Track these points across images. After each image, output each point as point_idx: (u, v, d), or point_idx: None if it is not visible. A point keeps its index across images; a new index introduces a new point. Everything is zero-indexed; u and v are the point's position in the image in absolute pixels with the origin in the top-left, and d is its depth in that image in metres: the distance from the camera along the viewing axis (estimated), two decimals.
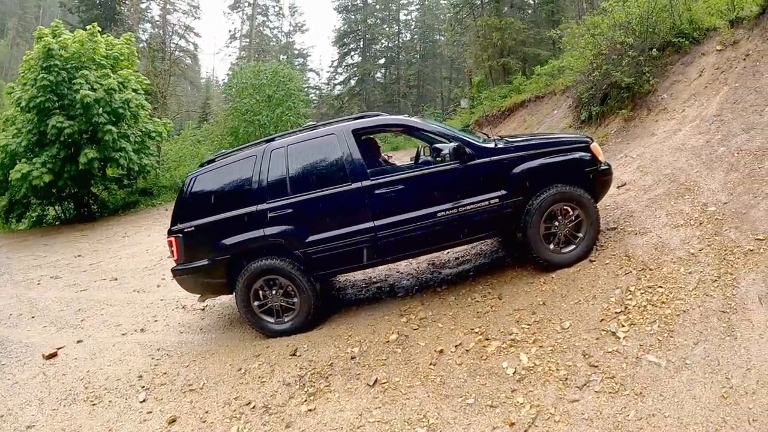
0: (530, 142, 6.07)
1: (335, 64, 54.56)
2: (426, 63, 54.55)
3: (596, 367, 4.32)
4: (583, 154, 5.92)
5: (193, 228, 5.93)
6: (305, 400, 4.70)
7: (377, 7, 53.95)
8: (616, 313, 4.85)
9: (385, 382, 4.69)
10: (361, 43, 52.98)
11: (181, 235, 5.96)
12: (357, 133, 5.91)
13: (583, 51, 12.74)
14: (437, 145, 5.70)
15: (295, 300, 5.88)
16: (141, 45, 31.62)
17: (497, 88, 26.96)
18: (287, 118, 27.41)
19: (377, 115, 6.32)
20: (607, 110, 11.68)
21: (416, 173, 5.81)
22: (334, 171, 5.76)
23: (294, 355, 5.38)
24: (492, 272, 6.38)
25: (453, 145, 5.53)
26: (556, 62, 19.79)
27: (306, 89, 47.07)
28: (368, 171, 5.75)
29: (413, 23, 56.73)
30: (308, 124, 6.52)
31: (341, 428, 4.26)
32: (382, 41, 54.05)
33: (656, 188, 6.96)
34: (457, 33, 37.36)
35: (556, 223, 5.81)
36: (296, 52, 58.35)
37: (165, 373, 5.57)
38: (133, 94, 17.71)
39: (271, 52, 53.72)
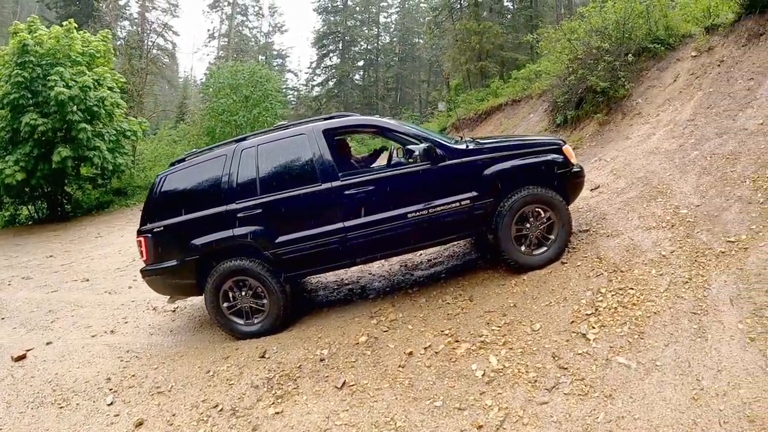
0: (502, 144, 6.06)
1: (314, 65, 54.51)
2: (405, 66, 54.68)
3: (566, 369, 4.29)
4: (555, 156, 5.91)
5: (162, 228, 5.84)
6: (273, 403, 4.62)
7: (357, 9, 54.06)
8: (586, 314, 4.84)
9: (353, 385, 4.63)
10: (340, 44, 52.91)
11: (150, 235, 5.87)
12: (328, 133, 5.85)
13: (560, 55, 12.82)
14: (410, 147, 5.64)
15: (265, 301, 5.79)
16: (118, 42, 31.16)
17: (475, 91, 27.06)
18: (264, 118, 27.28)
19: (348, 116, 6.27)
20: (583, 114, 11.76)
21: (386, 174, 5.77)
22: (304, 171, 5.70)
23: (263, 357, 5.30)
24: (464, 274, 6.35)
25: (424, 145, 5.51)
26: (533, 66, 19.87)
27: (284, 90, 46.89)
28: (339, 172, 5.70)
29: (393, 26, 56.87)
30: (280, 123, 6.45)
31: (308, 431, 4.19)
32: (362, 43, 54.09)
33: (629, 191, 6.99)
34: (436, 36, 37.57)
35: (528, 225, 5.80)
36: (275, 52, 58.15)
37: (133, 376, 5.46)
38: (109, 92, 17.42)
39: (250, 53, 53.34)
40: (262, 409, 4.56)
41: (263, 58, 53.47)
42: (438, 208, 5.58)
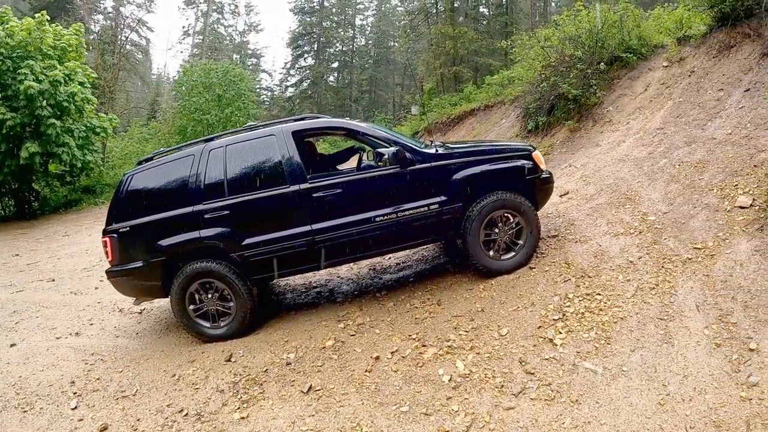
0: (472, 149, 6.06)
1: (288, 65, 53.81)
2: (379, 68, 54.50)
3: (533, 374, 4.30)
4: (524, 161, 5.93)
5: (128, 228, 5.73)
6: (238, 408, 4.55)
7: (333, 10, 53.65)
8: (554, 320, 4.86)
9: (319, 389, 4.58)
10: (316, 45, 52.40)
11: (115, 235, 5.76)
12: (297, 135, 5.81)
13: (533, 62, 12.95)
14: (380, 150, 5.60)
15: (231, 304, 5.72)
16: (91, 37, 30.52)
17: (448, 96, 27.12)
18: (236, 118, 27.01)
19: (319, 118, 6.26)
20: (554, 121, 11.87)
21: (355, 177, 5.73)
22: (273, 172, 5.65)
23: (229, 360, 5.23)
24: (432, 278, 6.35)
25: (393, 149, 5.48)
26: (506, 72, 20.05)
27: (257, 90, 46.57)
28: (308, 174, 5.66)
29: (368, 28, 56.62)
30: (249, 124, 6.38)
31: None
32: (337, 45, 53.60)
33: (598, 197, 7.06)
34: (411, 40, 37.61)
35: (497, 230, 5.81)
36: (250, 51, 57.42)
37: (98, 379, 5.34)
38: (80, 87, 16.97)
39: (225, 51, 52.57)
40: (227, 414, 4.49)
41: (238, 57, 52.82)
42: (406, 212, 5.57)
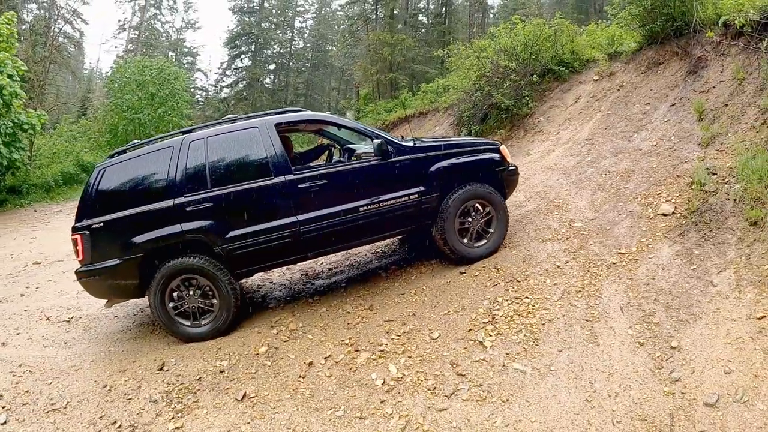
0: (445, 143, 6.34)
1: (224, 66, 52.61)
2: (316, 72, 54.34)
3: (464, 375, 4.39)
4: (493, 155, 6.26)
5: (101, 224, 5.47)
6: (172, 418, 4.44)
7: (273, 11, 52.99)
8: (484, 323, 4.98)
9: (254, 396, 4.54)
10: (253, 46, 51.46)
11: (87, 232, 5.49)
12: (280, 127, 5.83)
13: (468, 72, 13.23)
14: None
15: (214, 301, 5.58)
16: (23, 27, 28.98)
17: (383, 101, 27.35)
18: (169, 118, 26.49)
19: (300, 111, 6.28)
20: (486, 129, 12.19)
21: (340, 168, 5.87)
22: (257, 164, 5.61)
23: (161, 369, 5.10)
24: (364, 284, 6.41)
25: (378, 141, 5.65)
26: (442, 81, 20.34)
27: (192, 89, 45.61)
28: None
29: (307, 31, 56.25)
30: (229, 116, 6.32)
31: None
32: (275, 47, 52.87)
33: (527, 204, 7.28)
34: (350, 45, 37.92)
35: (470, 219, 6.07)
36: (186, 50, 55.83)
37: (27, 392, 5.07)
38: (8, 80, 15.98)
39: (160, 48, 51.17)
40: (161, 425, 4.37)
41: (173, 54, 51.58)
42: (389, 202, 5.76)
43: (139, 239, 5.41)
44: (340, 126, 6.29)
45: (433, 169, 5.90)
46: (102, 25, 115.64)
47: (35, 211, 17.10)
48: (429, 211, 5.92)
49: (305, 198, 5.58)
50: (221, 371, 4.91)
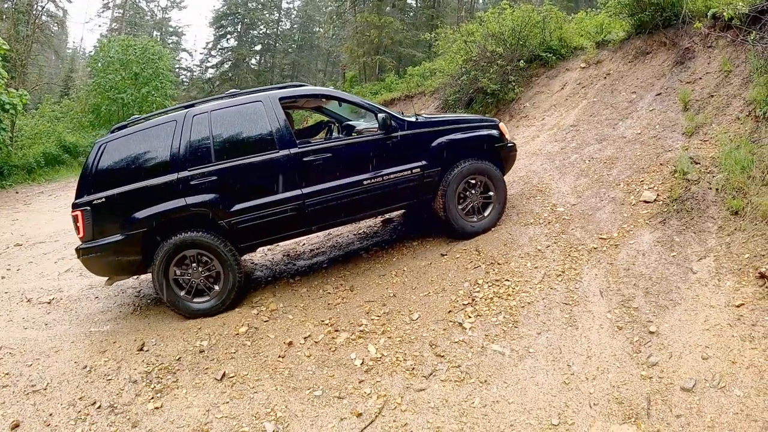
0: (446, 119, 6.46)
1: (210, 46, 51.58)
2: (302, 54, 53.67)
3: (443, 356, 4.42)
4: (492, 131, 6.37)
5: (103, 199, 5.40)
6: (152, 398, 4.44)
7: None
8: (463, 305, 5.01)
9: (233, 376, 4.54)
10: (239, 27, 50.49)
11: (88, 208, 5.41)
12: (284, 101, 5.85)
13: (455, 56, 13.18)
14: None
15: (219, 275, 5.58)
16: (6, 5, 28.40)
17: (369, 84, 27.04)
18: (153, 98, 26.19)
19: (302, 85, 6.32)
20: (472, 113, 12.10)
21: (344, 142, 5.97)
22: (262, 138, 5.63)
23: (141, 350, 5.09)
24: (345, 264, 6.43)
25: (382, 115, 5.72)
26: (428, 64, 20.30)
27: (177, 70, 45.07)
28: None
29: (294, 12, 55.47)
30: (231, 91, 6.29)
31: (188, 425, 4.06)
32: (261, 27, 51.88)
33: (510, 189, 7.24)
34: (337, 27, 37.58)
35: (470, 194, 6.20)
36: (171, 29, 54.86)
37: (7, 374, 5.05)
38: None
39: (145, 27, 50.24)
40: (141, 405, 4.37)
41: (158, 34, 50.78)
42: (392, 176, 5.86)
43: (141, 214, 5.39)
44: (342, 101, 6.37)
45: (434, 144, 6.02)
46: (86, 3, 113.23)
47: (17, 192, 16.95)
48: (431, 186, 6.05)
49: (310, 171, 5.63)
50: (201, 351, 4.92)
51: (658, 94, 8.02)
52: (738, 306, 4.16)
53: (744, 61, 6.95)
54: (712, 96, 7.04)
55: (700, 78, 7.61)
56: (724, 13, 7.27)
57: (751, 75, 6.60)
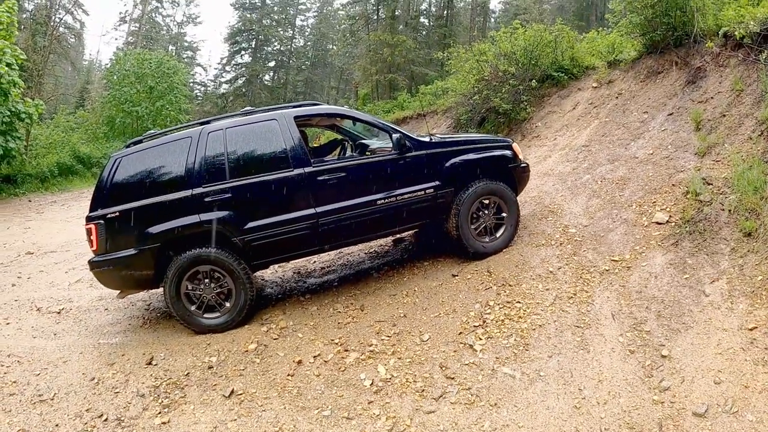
0: (460, 139, 6.48)
1: (224, 61, 52.44)
2: (316, 71, 54.28)
3: (453, 378, 4.39)
4: (506, 151, 6.36)
5: (117, 213, 5.44)
6: (159, 412, 4.43)
7: (275, 9, 52.80)
8: (474, 326, 4.98)
9: (241, 393, 4.53)
10: (254, 43, 51.21)
11: (102, 221, 5.44)
12: (298, 120, 5.89)
13: (468, 75, 13.18)
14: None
15: (231, 292, 5.58)
16: (24, 15, 28.77)
17: (382, 102, 27.31)
18: (167, 112, 26.52)
19: (316, 104, 6.38)
20: (484, 133, 12.10)
21: (358, 161, 5.98)
22: (276, 156, 5.66)
23: (150, 364, 5.08)
24: (356, 283, 6.41)
25: (396, 135, 5.76)
26: (441, 83, 20.33)
27: (191, 84, 45.62)
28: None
29: (308, 30, 56.24)
30: (246, 109, 6.31)
31: None
32: (275, 44, 52.54)
33: (522, 209, 7.19)
34: (350, 44, 37.85)
35: (483, 214, 6.17)
36: (186, 44, 55.51)
37: (15, 382, 5.05)
38: (6, 68, 15.80)
39: (161, 41, 50.80)
40: (148, 419, 4.37)
41: (173, 48, 51.43)
42: (405, 196, 5.86)
43: (155, 229, 5.41)
44: (356, 120, 6.43)
45: (448, 164, 6.02)
46: (103, 16, 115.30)
47: (30, 201, 17.05)
48: (443, 206, 6.03)
49: (324, 190, 5.65)
50: (210, 367, 4.91)
51: (670, 114, 8.00)
52: (751, 329, 4.13)
53: (756, 80, 6.93)
54: (724, 115, 7.01)
55: (712, 97, 7.58)
56: (736, 32, 7.29)
57: (763, 94, 6.58)
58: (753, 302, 4.35)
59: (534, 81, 11.45)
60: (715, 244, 5.16)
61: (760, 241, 4.83)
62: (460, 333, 4.93)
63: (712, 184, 5.87)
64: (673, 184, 6.40)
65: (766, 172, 5.45)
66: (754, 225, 4.99)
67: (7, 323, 6.54)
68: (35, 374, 5.17)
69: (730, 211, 5.35)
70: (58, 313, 6.74)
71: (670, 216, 5.87)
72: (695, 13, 8.43)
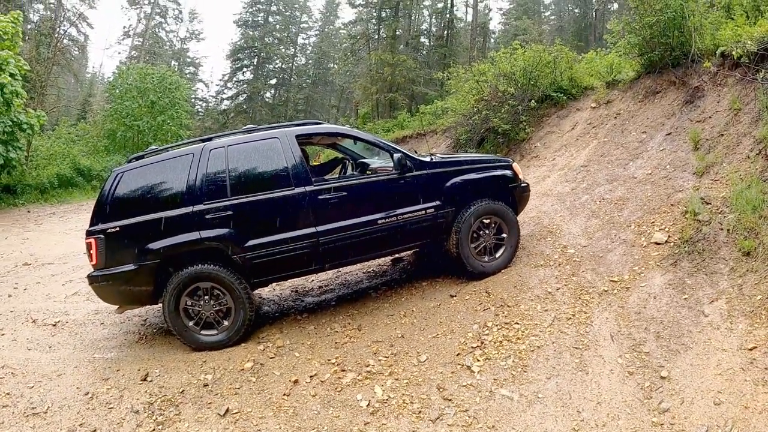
0: (461, 159, 6.51)
1: (226, 78, 52.82)
2: (317, 89, 54.60)
3: (450, 400, 4.35)
4: (506, 171, 6.39)
5: (117, 228, 5.43)
6: (153, 429, 4.38)
7: (277, 26, 53.32)
8: (472, 347, 4.96)
9: (236, 412, 4.48)
10: (255, 60, 51.63)
11: (102, 236, 5.43)
12: (300, 139, 5.91)
13: (467, 95, 13.28)
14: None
15: (230, 309, 5.55)
16: (29, 27, 28.86)
17: (382, 121, 27.55)
18: (168, 127, 26.61)
19: (319, 123, 6.44)
20: (483, 153, 12.16)
21: (359, 181, 6.03)
22: (277, 174, 5.68)
23: (145, 380, 5.04)
24: (354, 303, 6.39)
25: (397, 155, 5.78)
26: (440, 103, 20.39)
27: (192, 100, 45.92)
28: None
29: (310, 48, 56.68)
30: (248, 126, 6.37)
31: None
32: (277, 61, 53.07)
33: (521, 229, 7.22)
34: (351, 63, 38.15)
35: (483, 234, 6.16)
36: (189, 59, 55.83)
37: (8, 394, 5.00)
38: (10, 78, 15.82)
39: (164, 57, 50.99)
40: None
41: (176, 63, 51.60)
42: (406, 215, 5.87)
43: (155, 245, 5.40)
44: (357, 139, 6.43)
45: (448, 184, 6.05)
46: (107, 30, 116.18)
47: (29, 211, 17.03)
48: (444, 226, 6.04)
49: (325, 209, 5.66)
50: (205, 385, 4.86)
51: (669, 134, 8.03)
52: (751, 349, 4.10)
53: (753, 99, 6.95)
54: (722, 135, 7.04)
55: (710, 117, 7.61)
56: (733, 52, 7.33)
57: (760, 113, 6.60)
58: (752, 322, 4.33)
59: (533, 101, 11.54)
60: (714, 263, 5.16)
61: (759, 261, 4.82)
62: (458, 354, 4.90)
63: (710, 204, 5.88)
64: (671, 204, 6.41)
65: (765, 191, 5.45)
66: (752, 244, 4.98)
67: (2, 334, 6.49)
68: (29, 387, 5.12)
69: (728, 230, 5.35)
70: (54, 325, 6.69)
71: (669, 236, 5.87)
72: (693, 33, 8.50)
